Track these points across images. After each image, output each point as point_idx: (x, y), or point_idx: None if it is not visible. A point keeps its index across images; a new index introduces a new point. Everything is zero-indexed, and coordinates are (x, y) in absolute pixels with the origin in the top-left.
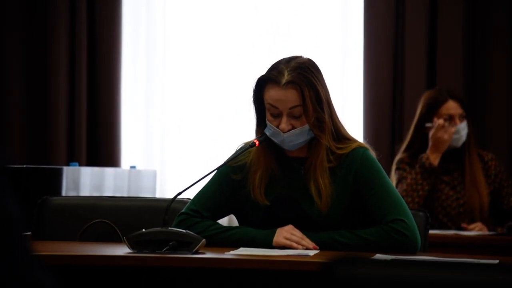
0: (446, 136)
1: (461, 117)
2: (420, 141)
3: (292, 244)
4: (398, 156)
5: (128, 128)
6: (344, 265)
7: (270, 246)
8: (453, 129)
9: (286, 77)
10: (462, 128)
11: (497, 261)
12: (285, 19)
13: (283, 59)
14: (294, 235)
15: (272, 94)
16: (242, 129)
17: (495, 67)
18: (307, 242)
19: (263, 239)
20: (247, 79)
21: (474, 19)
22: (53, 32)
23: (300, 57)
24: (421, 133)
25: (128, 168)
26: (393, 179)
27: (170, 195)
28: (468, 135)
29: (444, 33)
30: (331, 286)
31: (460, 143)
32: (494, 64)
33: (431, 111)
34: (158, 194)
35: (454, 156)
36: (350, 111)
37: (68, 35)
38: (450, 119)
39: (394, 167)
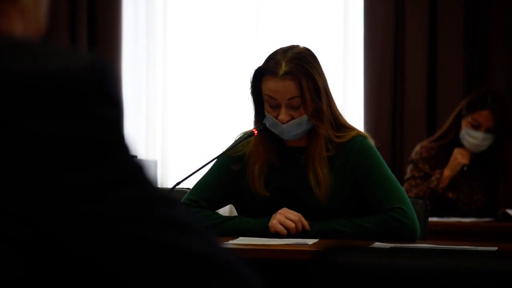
0: (462, 160)
1: (489, 129)
2: (454, 133)
3: (283, 231)
4: (425, 143)
5: (129, 117)
6: (337, 254)
7: (268, 234)
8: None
9: (283, 68)
10: (483, 139)
11: (496, 248)
12: (285, 8)
13: (280, 49)
14: (288, 220)
15: (270, 85)
16: (243, 119)
17: (495, 59)
18: (302, 222)
19: (261, 228)
20: (248, 69)
21: (474, 9)
22: (53, 27)
23: (297, 46)
24: (456, 126)
25: None
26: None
27: (171, 185)
28: (510, 146)
29: (445, 19)
30: (325, 274)
31: (478, 150)
32: (494, 56)
33: (467, 110)
34: (160, 184)
35: (477, 154)
36: (351, 99)
37: (68, 29)
38: (478, 126)
39: (414, 153)
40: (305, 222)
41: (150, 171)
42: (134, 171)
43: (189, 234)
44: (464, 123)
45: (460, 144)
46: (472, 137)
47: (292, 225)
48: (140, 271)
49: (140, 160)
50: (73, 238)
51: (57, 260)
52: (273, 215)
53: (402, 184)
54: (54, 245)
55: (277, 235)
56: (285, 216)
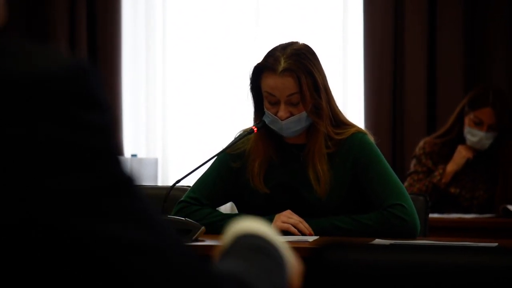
0: (467, 154)
1: (491, 127)
2: (457, 130)
3: (290, 227)
4: (429, 139)
5: (129, 116)
6: (334, 251)
7: None
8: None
9: (282, 64)
10: (485, 137)
11: (496, 244)
12: (284, 7)
13: (279, 45)
14: (291, 218)
15: (269, 82)
16: (243, 117)
17: (495, 55)
18: (305, 225)
19: None
20: (247, 69)
21: (473, 5)
22: (53, 26)
23: (296, 43)
24: (459, 123)
25: (130, 156)
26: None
27: (172, 183)
28: (509, 144)
29: (444, 14)
30: (322, 271)
31: (481, 148)
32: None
33: (469, 107)
34: (160, 182)
35: (479, 151)
36: (351, 96)
37: (68, 30)
38: (480, 124)
39: (417, 148)
40: (309, 228)
41: (137, 181)
42: (117, 181)
43: (164, 267)
44: (466, 120)
45: (463, 141)
46: (474, 136)
47: (296, 220)
48: None
49: (127, 169)
50: (46, 245)
51: (31, 266)
52: (276, 216)
53: (403, 179)
54: (29, 249)
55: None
56: (287, 217)
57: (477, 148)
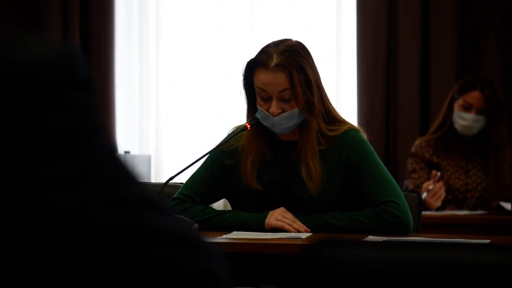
0: (435, 204)
1: (479, 111)
2: (450, 122)
3: (284, 225)
4: (424, 137)
5: (123, 113)
6: (326, 248)
7: (262, 229)
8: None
9: (275, 60)
10: (474, 120)
11: (488, 240)
12: (278, 5)
13: (272, 42)
14: (285, 217)
15: (261, 77)
16: (237, 113)
17: (488, 50)
18: (299, 224)
19: (255, 222)
20: (241, 63)
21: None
22: (46, 19)
23: (290, 40)
24: (451, 114)
25: (123, 153)
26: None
27: (165, 180)
28: (500, 130)
29: (438, 10)
30: (313, 268)
31: (470, 132)
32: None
33: (458, 93)
34: (154, 179)
35: (472, 141)
36: (344, 94)
37: (61, 18)
38: (469, 107)
39: (413, 147)
40: (303, 226)
41: (122, 157)
42: (108, 158)
43: (163, 214)
44: (456, 106)
45: (456, 133)
46: (464, 119)
47: (290, 221)
48: (113, 261)
49: (115, 147)
50: (47, 230)
51: (36, 253)
52: (270, 213)
53: (397, 177)
54: (32, 238)
55: (273, 230)
56: (282, 215)
57: (465, 133)
